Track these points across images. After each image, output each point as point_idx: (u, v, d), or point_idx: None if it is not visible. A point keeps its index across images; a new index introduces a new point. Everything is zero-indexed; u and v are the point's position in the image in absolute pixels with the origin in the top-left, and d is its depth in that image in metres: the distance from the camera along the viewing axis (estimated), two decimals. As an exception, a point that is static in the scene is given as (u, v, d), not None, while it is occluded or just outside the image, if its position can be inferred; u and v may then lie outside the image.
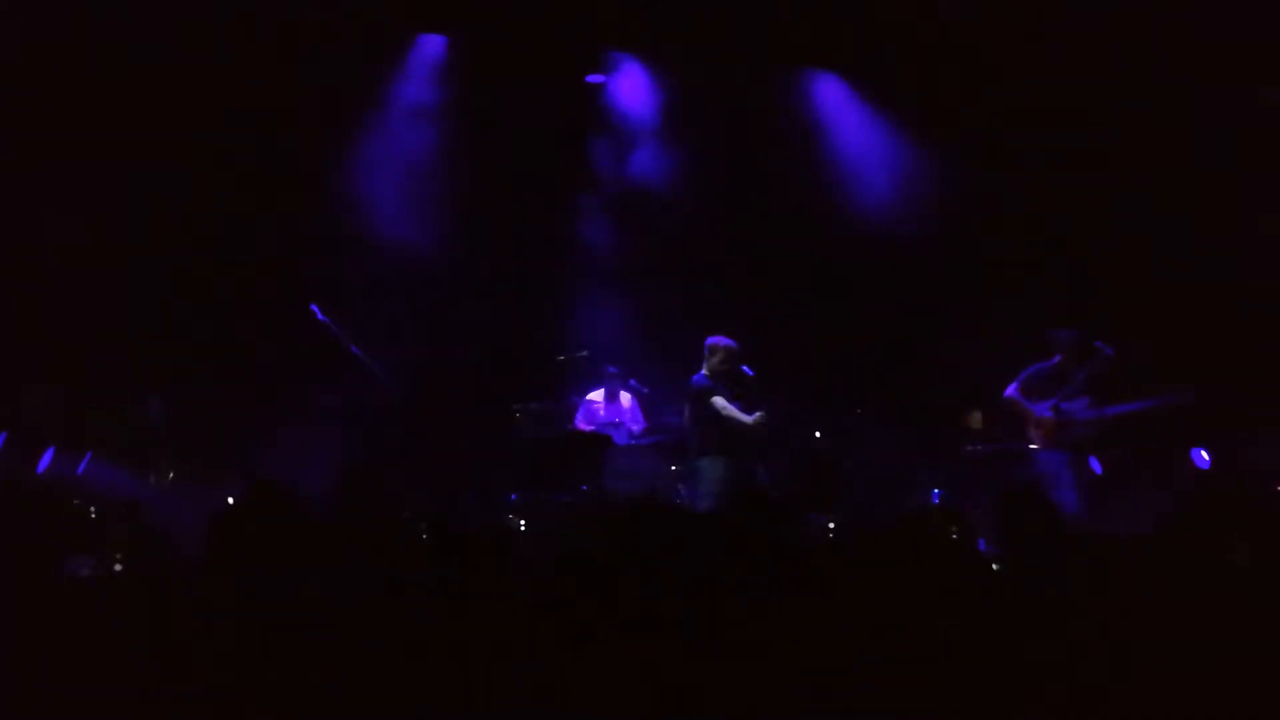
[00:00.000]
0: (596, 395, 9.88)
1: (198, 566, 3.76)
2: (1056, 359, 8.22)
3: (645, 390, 9.74)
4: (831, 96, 10.95)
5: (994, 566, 4.06)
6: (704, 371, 7.97)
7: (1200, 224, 9.06)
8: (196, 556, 3.93)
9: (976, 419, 9.84)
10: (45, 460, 7.93)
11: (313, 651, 3.18)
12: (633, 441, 9.53)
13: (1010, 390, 8.32)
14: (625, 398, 9.85)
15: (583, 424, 9.77)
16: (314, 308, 8.56)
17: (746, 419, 7.77)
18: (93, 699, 3.05)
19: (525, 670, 3.24)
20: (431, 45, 10.42)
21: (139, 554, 3.85)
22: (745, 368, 7.95)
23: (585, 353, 9.73)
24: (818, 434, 9.71)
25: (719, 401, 7.83)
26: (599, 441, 9.39)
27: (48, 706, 3.03)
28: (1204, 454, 8.67)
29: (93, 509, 5.65)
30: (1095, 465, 8.30)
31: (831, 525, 8.25)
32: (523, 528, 8.49)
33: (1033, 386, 8.25)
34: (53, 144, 8.66)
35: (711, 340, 8.03)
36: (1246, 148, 8.84)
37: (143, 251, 9.06)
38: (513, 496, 9.13)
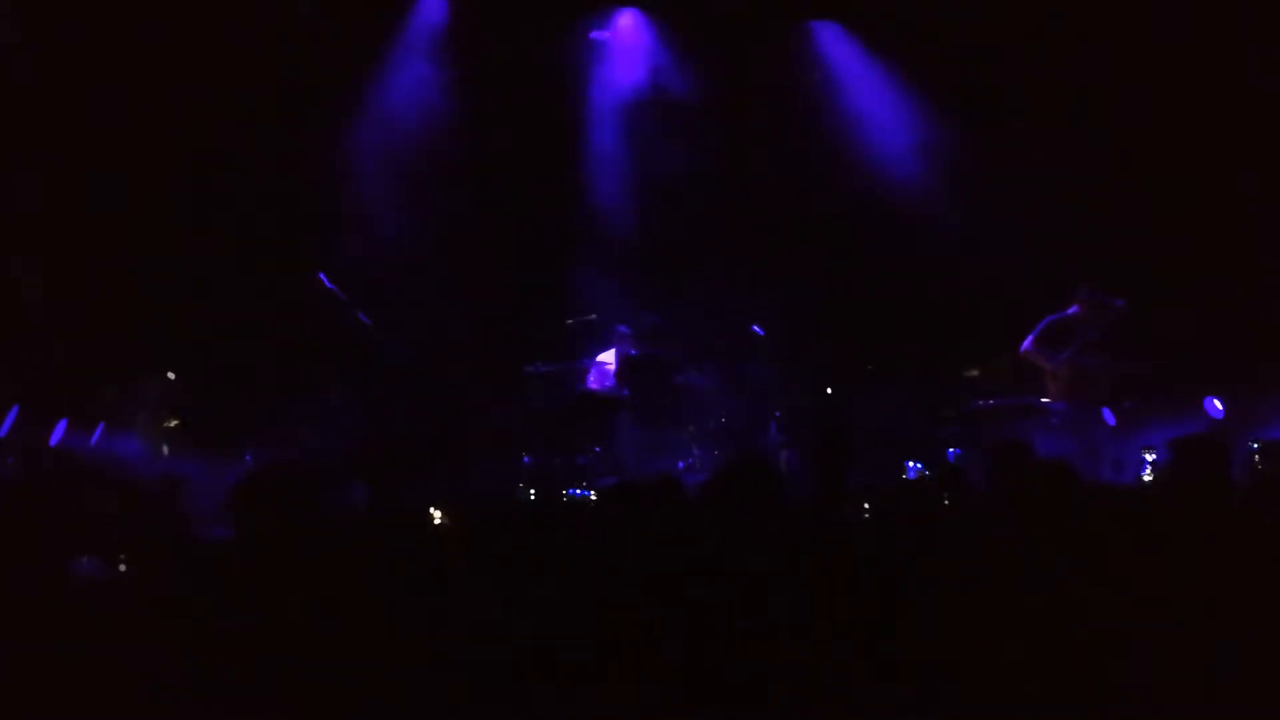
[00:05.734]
0: (608, 356, 9.82)
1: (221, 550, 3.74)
2: (1073, 310, 8.17)
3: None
4: (835, 49, 10.79)
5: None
6: None
7: (1204, 183, 9.00)
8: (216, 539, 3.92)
9: (975, 371, 9.79)
10: (58, 433, 7.94)
11: (331, 639, 3.17)
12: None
13: (1027, 343, 8.27)
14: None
15: (595, 385, 9.72)
16: (321, 275, 8.60)
17: None
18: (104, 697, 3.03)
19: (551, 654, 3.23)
20: (432, 7, 10.29)
21: (147, 549, 3.80)
22: (755, 327, 7.94)
23: (594, 316, 9.65)
24: (829, 390, 9.66)
25: None
26: (612, 403, 9.37)
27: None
28: (1217, 403, 8.62)
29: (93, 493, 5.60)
30: (1109, 417, 8.26)
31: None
32: (532, 495, 8.49)
33: (1048, 339, 8.20)
34: (56, 123, 8.63)
35: None
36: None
37: (150, 225, 9.02)
38: (525, 459, 9.12)
